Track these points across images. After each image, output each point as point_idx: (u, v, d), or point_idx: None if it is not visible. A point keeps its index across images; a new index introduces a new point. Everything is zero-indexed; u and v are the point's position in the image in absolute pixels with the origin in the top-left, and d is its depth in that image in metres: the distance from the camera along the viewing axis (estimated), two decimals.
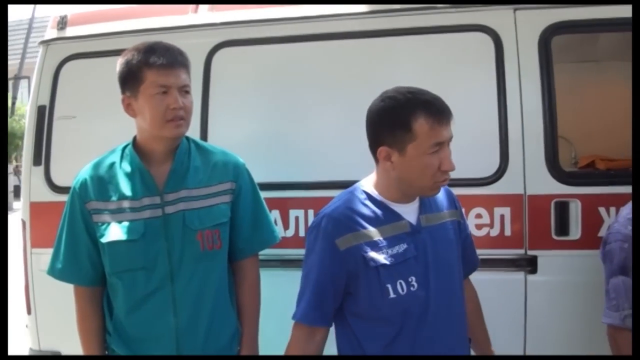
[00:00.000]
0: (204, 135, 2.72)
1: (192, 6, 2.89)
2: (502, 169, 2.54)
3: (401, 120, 1.61)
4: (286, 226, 2.69)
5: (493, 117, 2.55)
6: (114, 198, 1.88)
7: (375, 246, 1.65)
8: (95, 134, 2.88)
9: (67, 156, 2.93)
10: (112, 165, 1.93)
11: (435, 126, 1.60)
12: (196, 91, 2.70)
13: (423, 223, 1.73)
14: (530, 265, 2.51)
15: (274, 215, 2.62)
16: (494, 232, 2.53)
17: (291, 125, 2.71)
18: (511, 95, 2.54)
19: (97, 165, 1.94)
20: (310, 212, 2.63)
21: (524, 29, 2.56)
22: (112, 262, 1.88)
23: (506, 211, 2.53)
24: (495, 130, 2.54)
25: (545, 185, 2.50)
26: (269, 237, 2.09)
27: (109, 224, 1.87)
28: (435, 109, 1.61)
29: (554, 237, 2.49)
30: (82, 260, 1.92)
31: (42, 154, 2.96)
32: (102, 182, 1.90)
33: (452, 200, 1.87)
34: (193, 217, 1.90)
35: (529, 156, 2.51)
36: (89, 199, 1.89)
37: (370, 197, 1.72)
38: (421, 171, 1.63)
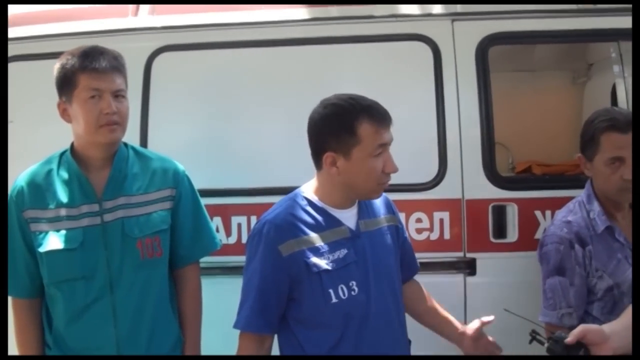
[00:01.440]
0: (143, 141, 2.67)
1: (132, 9, 2.83)
2: (440, 175, 2.58)
3: (346, 125, 1.64)
4: (228, 233, 2.66)
5: (432, 124, 2.59)
6: (51, 206, 1.84)
7: (317, 252, 1.67)
8: (34, 140, 2.76)
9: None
10: (49, 172, 1.88)
11: (378, 129, 1.65)
12: (136, 96, 2.67)
13: (362, 228, 1.76)
14: (469, 267, 2.56)
15: (216, 222, 2.59)
16: (434, 235, 2.58)
17: (233, 131, 2.69)
18: (449, 103, 2.59)
19: (33, 173, 1.89)
20: (253, 219, 2.61)
21: (461, 39, 2.62)
22: (50, 272, 1.83)
23: (445, 215, 2.57)
24: (434, 137, 2.59)
25: (483, 190, 2.56)
26: (210, 243, 2.08)
27: (46, 232, 1.82)
28: (378, 113, 1.66)
29: (492, 239, 2.56)
30: (19, 272, 1.86)
31: None
32: (39, 190, 1.85)
33: (389, 206, 1.91)
34: (132, 224, 1.87)
35: (467, 162, 2.57)
36: (25, 208, 1.83)
37: (311, 203, 1.74)
38: (367, 174, 1.66)
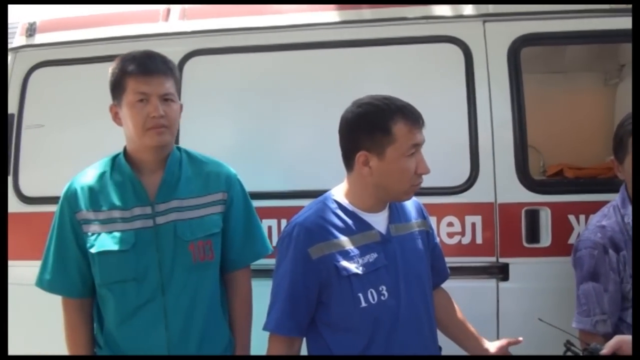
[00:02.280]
0: (175, 144, 2.68)
1: (162, 14, 2.87)
2: (472, 178, 2.55)
3: (381, 124, 1.64)
4: None
5: (463, 127, 2.57)
6: (104, 208, 1.86)
7: (346, 255, 1.66)
8: (65, 143, 2.83)
9: (36, 166, 2.87)
10: (102, 175, 1.91)
11: (412, 129, 1.65)
12: None
13: (393, 232, 1.74)
14: (501, 272, 2.53)
15: None
16: (466, 240, 2.55)
17: (263, 134, 2.70)
18: (481, 105, 2.57)
19: (87, 175, 1.92)
20: (283, 222, 2.60)
21: (493, 40, 2.59)
22: (102, 273, 1.85)
23: (477, 219, 2.54)
24: (465, 140, 2.56)
25: (516, 193, 2.52)
26: (261, 248, 2.08)
27: (99, 234, 1.84)
28: (412, 114, 1.66)
29: (525, 244, 2.51)
30: (71, 272, 1.89)
31: (10, 164, 2.89)
32: (92, 192, 1.88)
33: (420, 211, 1.90)
34: (185, 227, 1.88)
35: (500, 165, 2.54)
36: (78, 209, 1.86)
37: (341, 206, 1.73)
38: (400, 174, 1.66)
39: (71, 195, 1.88)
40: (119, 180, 1.89)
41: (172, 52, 2.73)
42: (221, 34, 2.77)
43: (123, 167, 1.90)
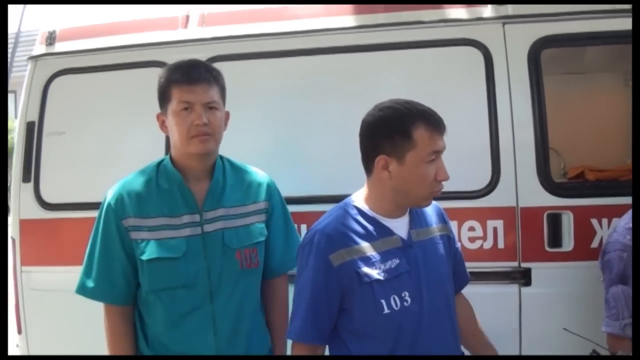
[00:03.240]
0: None
1: (181, 21, 2.88)
2: (494, 182, 2.54)
3: (402, 128, 1.63)
4: None
5: (484, 130, 2.55)
6: (152, 215, 1.87)
7: (368, 261, 1.65)
8: (85, 150, 2.85)
9: (56, 173, 2.90)
10: (149, 181, 1.91)
11: (433, 135, 1.63)
12: None
13: (414, 238, 1.73)
14: (524, 277, 2.50)
15: None
16: (487, 244, 2.53)
17: (282, 140, 2.70)
18: (502, 107, 2.55)
19: (132, 182, 1.93)
20: (303, 228, 2.58)
21: (513, 42, 2.57)
22: (152, 279, 1.86)
23: (499, 224, 2.52)
24: (486, 143, 2.55)
25: (538, 197, 2.50)
26: None
27: (148, 241, 1.85)
28: (434, 119, 1.65)
29: (547, 249, 2.49)
30: (116, 279, 1.89)
31: (31, 171, 2.92)
32: (140, 199, 1.88)
33: (441, 215, 1.88)
34: (231, 235, 1.91)
35: (521, 168, 2.51)
36: (126, 215, 1.87)
37: (361, 212, 1.72)
38: (419, 180, 1.64)
39: (117, 202, 1.88)
40: (166, 187, 1.90)
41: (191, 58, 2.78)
42: (240, 40, 2.78)
43: (171, 174, 1.91)
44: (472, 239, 2.54)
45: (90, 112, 2.88)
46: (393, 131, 1.64)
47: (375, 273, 1.64)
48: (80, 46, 2.96)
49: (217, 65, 2.71)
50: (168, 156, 1.96)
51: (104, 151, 2.79)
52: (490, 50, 2.58)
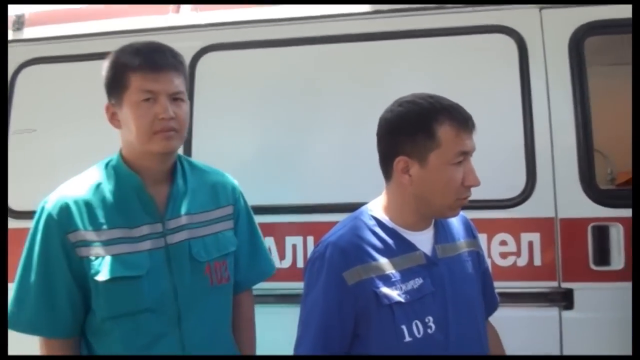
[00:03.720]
0: (187, 151, 2.69)
1: (172, 6, 2.89)
2: (529, 189, 2.51)
3: (424, 125, 1.60)
4: (282, 255, 2.65)
5: (518, 130, 2.53)
6: (105, 226, 1.77)
7: (387, 280, 1.61)
8: (60, 149, 2.82)
9: (26, 176, 2.84)
10: (97, 186, 1.81)
11: (460, 133, 1.61)
12: None
13: (439, 254, 1.70)
14: (565, 299, 2.47)
15: (268, 242, 2.58)
16: (522, 261, 2.50)
17: (287, 140, 2.69)
18: (538, 104, 2.52)
19: (78, 187, 1.81)
20: (310, 240, 2.60)
21: (551, 30, 2.55)
22: (110, 304, 1.75)
23: (535, 237, 2.49)
24: (520, 145, 2.53)
25: (581, 207, 2.46)
26: (267, 268, 2.08)
27: (102, 257, 1.75)
28: (460, 115, 1.62)
29: (593, 267, 2.45)
30: (60, 306, 1.76)
31: None
32: (89, 208, 1.78)
33: (470, 229, 1.86)
34: (199, 246, 1.85)
35: (560, 173, 2.49)
36: (73, 229, 1.75)
37: (380, 223, 1.69)
38: (444, 185, 1.61)
39: (61, 212, 1.76)
40: (120, 193, 1.81)
41: (184, 47, 2.73)
42: (240, 26, 2.78)
43: (127, 177, 1.82)
44: (503, 255, 2.51)
45: (65, 107, 2.85)
46: (414, 128, 1.61)
47: (395, 294, 1.60)
48: (53, 32, 2.94)
49: (213, 55, 2.80)
50: (117, 156, 1.86)
51: (81, 151, 2.68)
52: (525, 38, 2.55)
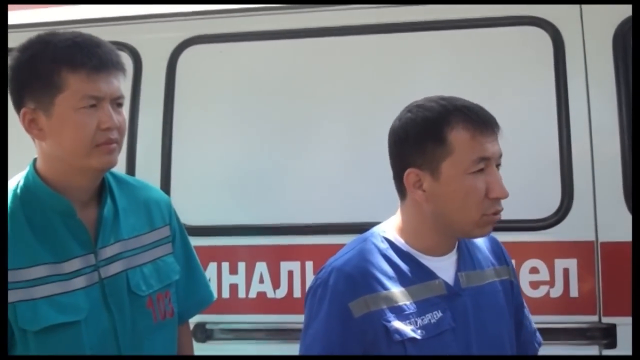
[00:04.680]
0: (166, 161, 2.72)
1: None
2: (564, 207, 2.52)
3: (433, 130, 1.60)
4: (276, 284, 2.65)
5: (552, 137, 2.55)
6: (26, 264, 1.69)
7: (400, 313, 1.61)
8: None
9: None
10: (12, 214, 1.72)
11: (477, 136, 1.59)
12: (156, 102, 2.75)
13: (463, 283, 1.70)
14: (606, 336, 2.48)
15: (260, 268, 2.61)
16: (556, 292, 2.52)
17: (282, 148, 2.72)
18: (576, 108, 2.54)
19: None
20: (309, 265, 2.62)
21: (593, 22, 2.57)
22: (41, 356, 1.70)
23: (572, 264, 2.51)
24: (554, 155, 2.54)
25: (625, 228, 2.40)
26: (206, 295, 2.08)
27: (28, 302, 1.67)
28: (476, 115, 1.61)
29: None
30: None
31: None
32: (8, 242, 1.69)
33: (501, 254, 1.85)
34: (137, 278, 1.82)
35: (602, 189, 2.50)
36: None
37: (393, 246, 1.69)
38: (463, 198, 1.60)
39: None
40: (43, 221, 1.74)
41: (163, 39, 2.81)
42: (229, 15, 2.80)
43: (51, 199, 1.74)
44: (534, 285, 2.52)
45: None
46: (422, 136, 1.62)
47: (409, 329, 1.60)
48: (15, 19, 2.90)
49: (199, 47, 2.80)
50: (31, 174, 1.76)
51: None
52: (562, 32, 2.58)
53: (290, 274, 2.63)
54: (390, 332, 1.59)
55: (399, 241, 1.69)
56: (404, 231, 1.71)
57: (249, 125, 2.76)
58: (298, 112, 2.73)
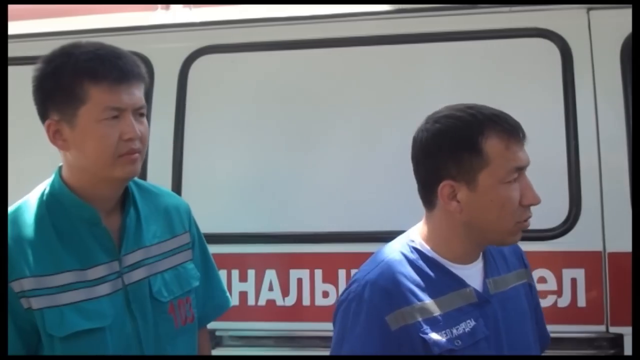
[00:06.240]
0: (177, 170, 2.73)
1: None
2: (572, 217, 2.52)
3: (467, 141, 1.58)
4: (285, 292, 2.65)
5: (560, 148, 2.55)
6: (52, 270, 1.69)
7: (435, 324, 1.58)
8: (32, 167, 2.79)
9: None
10: (39, 221, 1.74)
11: (511, 145, 1.59)
12: (168, 112, 2.78)
13: (491, 289, 1.68)
14: (614, 346, 2.47)
15: (269, 276, 2.63)
16: (563, 302, 2.51)
17: (295, 157, 2.72)
18: (584, 118, 2.54)
19: (19, 225, 1.73)
20: (318, 273, 2.61)
21: (601, 33, 2.57)
22: None
23: (579, 274, 2.50)
24: (562, 165, 2.54)
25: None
26: (223, 300, 2.09)
27: (54, 309, 1.68)
28: (508, 125, 1.60)
29: None
30: None
31: None
32: (34, 249, 1.70)
33: (520, 256, 1.84)
34: (160, 284, 1.82)
35: (610, 199, 2.49)
36: (17, 276, 1.66)
37: (423, 256, 1.66)
38: (500, 208, 1.59)
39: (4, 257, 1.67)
40: (69, 228, 1.75)
41: (175, 48, 2.83)
42: (241, 25, 2.82)
43: (77, 208, 1.75)
44: (542, 294, 2.43)
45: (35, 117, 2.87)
46: (457, 147, 1.59)
47: (445, 340, 1.57)
48: (23, 29, 2.96)
49: (210, 57, 2.82)
50: (58, 182, 1.78)
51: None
52: (570, 43, 2.57)
53: (300, 281, 2.63)
54: (428, 345, 1.57)
55: (428, 250, 1.67)
56: (432, 240, 1.68)
57: (259, 134, 2.76)
58: (308, 121, 2.74)
